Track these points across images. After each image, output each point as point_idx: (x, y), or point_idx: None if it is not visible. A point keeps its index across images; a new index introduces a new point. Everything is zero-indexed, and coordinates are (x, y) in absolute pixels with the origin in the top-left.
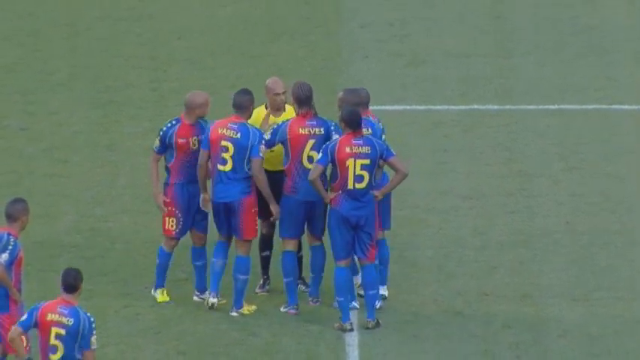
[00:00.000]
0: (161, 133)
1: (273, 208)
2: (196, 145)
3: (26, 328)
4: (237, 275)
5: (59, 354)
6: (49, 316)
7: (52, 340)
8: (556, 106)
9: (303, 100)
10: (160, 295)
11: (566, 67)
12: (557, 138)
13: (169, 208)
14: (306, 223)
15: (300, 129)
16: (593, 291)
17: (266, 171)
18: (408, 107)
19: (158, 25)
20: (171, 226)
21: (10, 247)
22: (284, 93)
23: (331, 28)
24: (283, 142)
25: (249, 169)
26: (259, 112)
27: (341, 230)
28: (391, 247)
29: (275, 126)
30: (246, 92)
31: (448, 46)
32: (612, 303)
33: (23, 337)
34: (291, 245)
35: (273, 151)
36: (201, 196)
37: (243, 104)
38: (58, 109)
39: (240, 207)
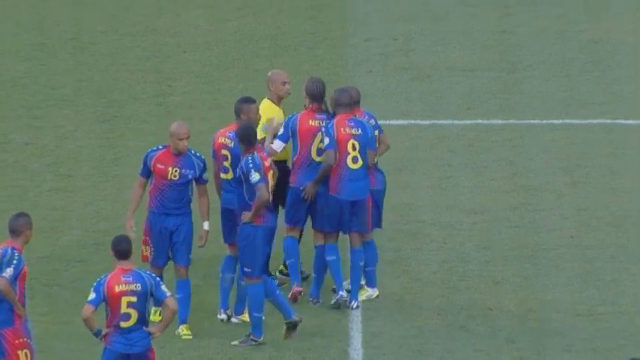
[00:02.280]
0: (145, 154)
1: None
2: (177, 177)
3: (97, 304)
4: (239, 281)
5: (133, 320)
6: (117, 288)
7: (125, 309)
8: (560, 121)
9: (317, 97)
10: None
11: (571, 81)
12: (562, 152)
13: (144, 236)
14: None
15: (310, 121)
16: (597, 305)
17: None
18: (412, 121)
19: (163, 40)
20: (147, 252)
21: (15, 262)
22: (290, 82)
23: (336, 42)
24: (292, 135)
25: None
26: (267, 105)
27: (267, 246)
28: (395, 262)
29: (285, 120)
30: (246, 100)
31: (453, 61)
32: (616, 317)
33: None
34: (293, 232)
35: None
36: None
37: (242, 112)
38: (63, 124)
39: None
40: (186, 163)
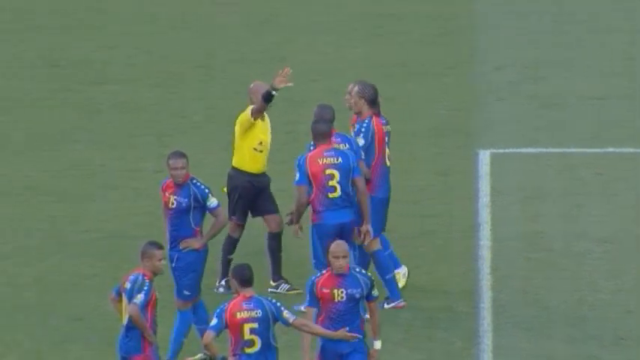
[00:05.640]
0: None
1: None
2: (343, 298)
3: (218, 331)
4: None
5: (256, 346)
6: (238, 315)
7: (247, 336)
8: None
9: (376, 100)
10: None
11: None
12: None
13: None
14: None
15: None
16: None
17: (250, 173)
18: (542, 150)
19: (291, 67)
20: None
21: (145, 288)
22: None
23: (465, 69)
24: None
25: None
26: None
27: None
28: (525, 290)
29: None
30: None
31: (582, 89)
32: None
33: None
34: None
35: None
36: None
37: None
38: (194, 152)
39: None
40: (351, 283)
